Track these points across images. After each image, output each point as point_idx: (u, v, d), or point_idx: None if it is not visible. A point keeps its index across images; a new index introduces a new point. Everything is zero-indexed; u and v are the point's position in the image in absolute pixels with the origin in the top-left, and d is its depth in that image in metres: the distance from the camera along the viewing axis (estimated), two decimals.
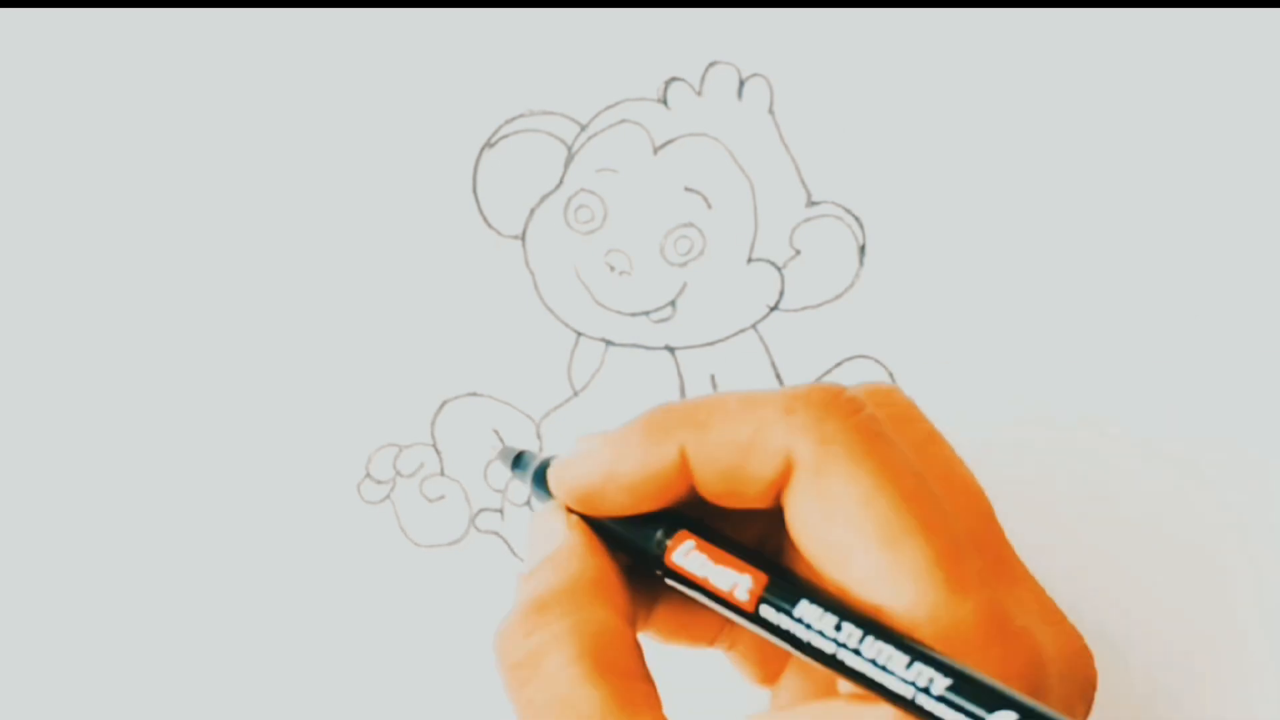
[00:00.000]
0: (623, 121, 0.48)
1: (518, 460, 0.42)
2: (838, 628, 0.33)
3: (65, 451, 0.48)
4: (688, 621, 0.39)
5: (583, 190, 0.48)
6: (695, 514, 0.36)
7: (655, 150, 0.47)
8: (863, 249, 0.48)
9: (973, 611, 0.32)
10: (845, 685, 0.33)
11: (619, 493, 0.36)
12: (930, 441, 0.37)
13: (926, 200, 0.48)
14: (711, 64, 0.47)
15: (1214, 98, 0.48)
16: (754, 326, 0.48)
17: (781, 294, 0.47)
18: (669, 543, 0.36)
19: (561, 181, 0.48)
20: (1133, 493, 0.48)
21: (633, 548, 0.37)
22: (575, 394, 0.48)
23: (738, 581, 0.34)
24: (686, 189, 0.47)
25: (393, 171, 0.48)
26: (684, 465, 0.35)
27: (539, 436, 0.48)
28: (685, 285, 0.47)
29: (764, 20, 0.48)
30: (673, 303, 0.48)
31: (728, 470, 0.35)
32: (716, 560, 0.35)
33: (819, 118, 0.48)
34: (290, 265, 0.48)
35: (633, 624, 0.36)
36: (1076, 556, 0.48)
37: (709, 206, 0.47)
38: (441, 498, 0.48)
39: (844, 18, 0.48)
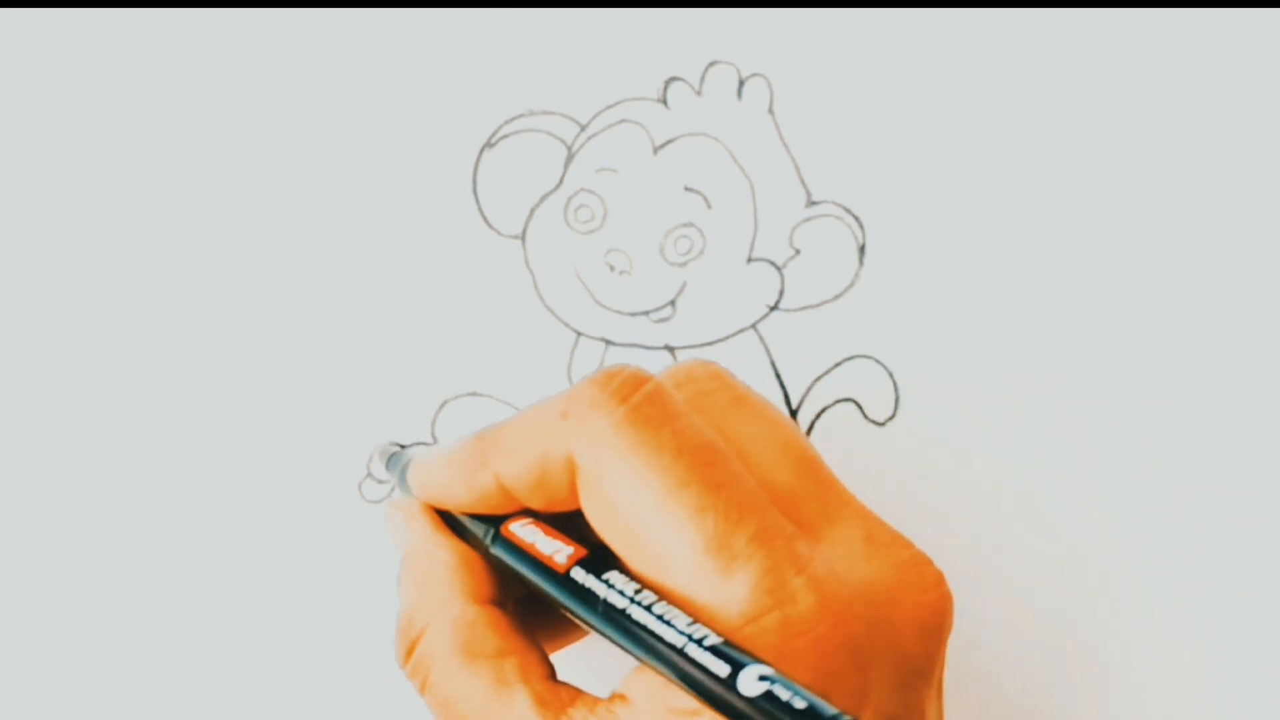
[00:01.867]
0: (623, 121, 0.48)
1: (391, 461, 0.44)
2: (637, 592, 0.34)
3: (65, 452, 0.48)
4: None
5: (583, 190, 0.48)
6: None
7: (655, 150, 0.47)
8: (863, 249, 0.48)
9: (743, 583, 0.33)
10: None
11: (460, 506, 0.39)
12: (736, 406, 0.37)
13: (926, 200, 0.48)
14: (711, 64, 0.47)
15: (1214, 98, 0.48)
16: (754, 326, 0.48)
17: (781, 294, 0.47)
18: (510, 517, 0.38)
19: (561, 181, 0.48)
20: (1134, 491, 0.48)
21: (468, 534, 0.39)
22: None
23: (560, 549, 0.36)
24: (686, 189, 0.47)
25: (393, 171, 0.48)
26: (502, 489, 0.37)
27: None
28: (685, 285, 0.47)
29: (764, 20, 0.48)
30: (673, 302, 0.48)
31: (534, 486, 0.37)
32: (548, 534, 0.37)
33: (819, 118, 0.48)
34: (290, 265, 0.48)
35: (496, 600, 0.38)
36: (1071, 554, 0.48)
37: (709, 206, 0.47)
38: None
39: (844, 18, 0.48)
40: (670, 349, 0.48)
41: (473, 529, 0.39)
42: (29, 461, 0.48)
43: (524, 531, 0.37)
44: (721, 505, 0.34)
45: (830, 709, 0.30)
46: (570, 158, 0.48)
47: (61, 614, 0.48)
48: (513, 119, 0.48)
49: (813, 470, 0.38)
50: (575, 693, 0.36)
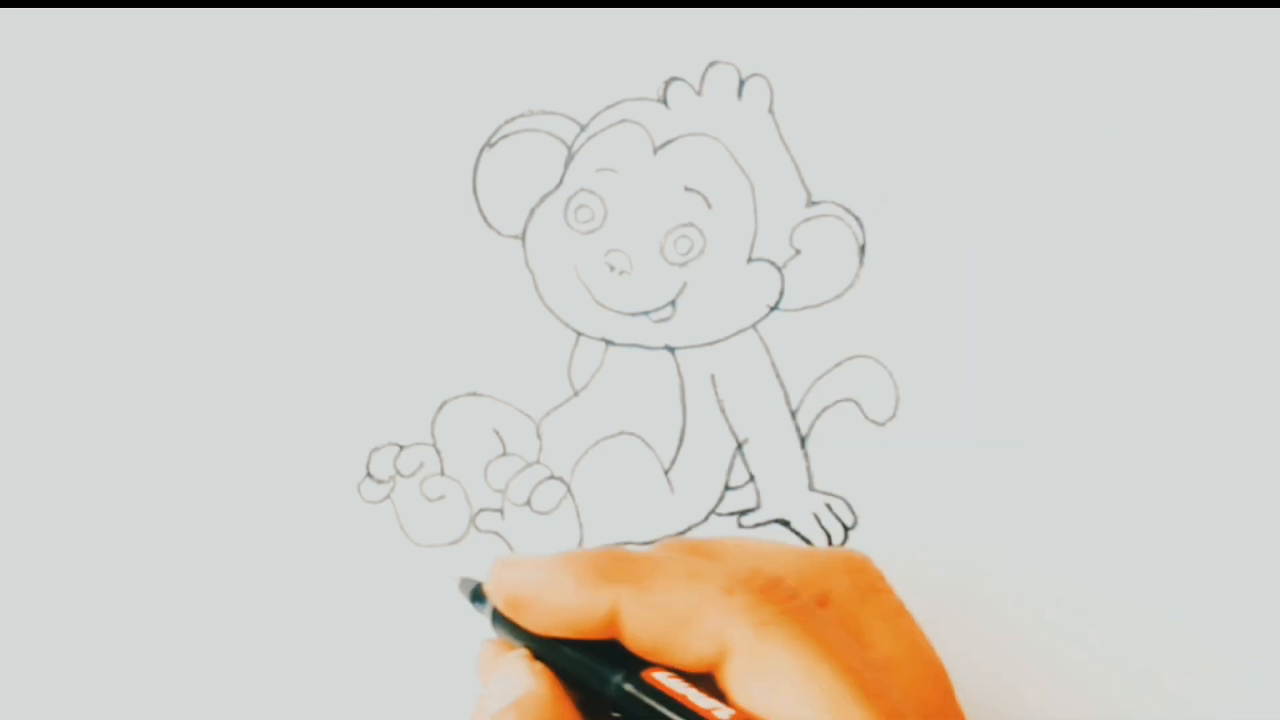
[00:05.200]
0: (623, 121, 0.48)
1: (475, 594, 0.43)
2: None
3: (66, 452, 0.48)
4: None
5: (583, 190, 0.48)
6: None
7: (655, 150, 0.47)
8: (863, 249, 0.48)
9: None
10: None
11: (544, 615, 0.38)
12: (897, 614, 0.39)
13: (926, 200, 0.48)
14: (711, 64, 0.47)
15: (1214, 98, 0.48)
16: (754, 326, 0.48)
17: (781, 294, 0.47)
18: (650, 668, 0.37)
19: (561, 181, 0.48)
20: (1136, 490, 0.48)
21: (588, 687, 0.38)
22: (575, 394, 0.48)
23: (718, 706, 0.35)
24: (686, 189, 0.47)
25: (393, 171, 0.48)
26: (613, 616, 0.37)
27: (539, 436, 0.48)
28: (685, 285, 0.47)
29: (764, 20, 0.48)
30: (673, 302, 0.48)
31: (659, 635, 0.36)
32: (696, 686, 0.36)
33: (819, 118, 0.48)
34: (291, 265, 0.48)
35: None
36: (1072, 553, 0.48)
37: (709, 206, 0.47)
38: (441, 498, 0.48)
39: (844, 18, 0.48)
40: (670, 349, 0.48)
41: (599, 669, 0.37)
42: (30, 461, 0.48)
43: (672, 683, 0.36)
44: (894, 700, 0.34)
45: None
46: (570, 157, 0.48)
47: (62, 613, 0.48)
48: (513, 119, 0.48)
49: (948, 698, 0.38)
50: None
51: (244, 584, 0.48)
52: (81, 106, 0.48)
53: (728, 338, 0.48)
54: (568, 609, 0.37)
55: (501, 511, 0.48)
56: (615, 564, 0.37)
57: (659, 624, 0.36)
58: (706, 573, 0.36)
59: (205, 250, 0.48)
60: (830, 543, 0.48)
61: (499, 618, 0.40)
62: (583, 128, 0.48)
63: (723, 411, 0.48)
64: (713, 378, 0.48)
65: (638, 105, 0.48)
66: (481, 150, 0.48)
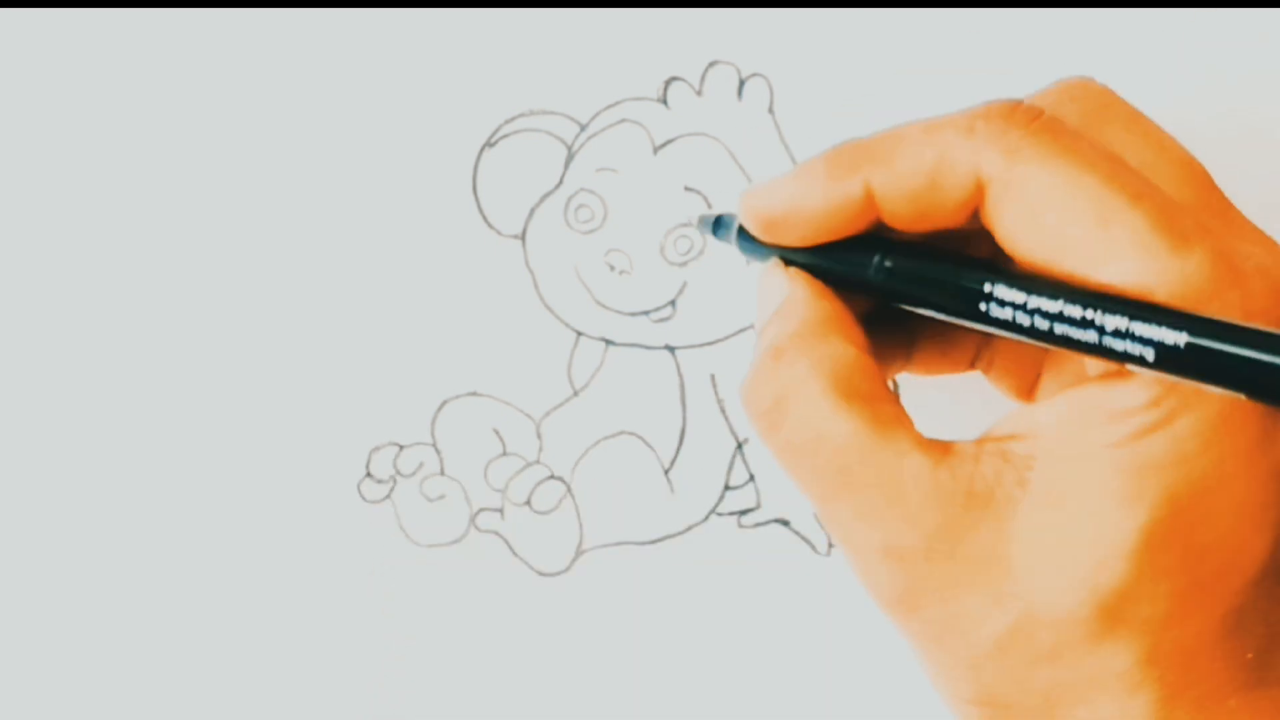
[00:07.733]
0: (623, 121, 0.48)
1: (718, 224, 0.42)
2: (1087, 306, 0.33)
3: (65, 452, 0.48)
4: (946, 349, 0.41)
5: (583, 190, 0.48)
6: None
7: (655, 150, 0.47)
8: None
9: (1200, 261, 0.32)
10: (1094, 367, 0.34)
11: (802, 224, 0.37)
12: (1134, 121, 0.37)
13: None
14: (711, 64, 0.48)
15: (1214, 97, 0.48)
16: (754, 326, 0.48)
17: None
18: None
19: (561, 181, 0.48)
20: None
21: (850, 280, 0.37)
22: (575, 394, 0.48)
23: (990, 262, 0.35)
24: (686, 189, 0.47)
25: (393, 171, 0.48)
26: (868, 198, 0.36)
27: (539, 436, 0.48)
28: (685, 285, 0.48)
29: (764, 20, 0.48)
30: (673, 302, 0.48)
31: (916, 196, 0.35)
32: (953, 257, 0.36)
33: (819, 118, 0.48)
34: (291, 265, 0.48)
35: (871, 355, 0.37)
36: None
37: (709, 206, 0.47)
38: (441, 497, 0.48)
39: (844, 18, 0.48)
40: (670, 349, 0.48)
41: (857, 256, 0.37)
42: (29, 462, 0.48)
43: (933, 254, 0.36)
44: (1162, 194, 0.33)
45: None
46: (570, 157, 0.48)
47: (62, 614, 0.48)
48: (513, 119, 0.48)
49: (1210, 188, 0.37)
50: (946, 443, 0.36)
51: (244, 584, 0.48)
52: (81, 107, 0.48)
53: (728, 338, 0.48)
54: (823, 209, 0.37)
55: (501, 511, 0.48)
56: (856, 151, 0.37)
57: (911, 187, 0.35)
58: (944, 122, 0.36)
59: (205, 250, 0.48)
60: (830, 544, 0.48)
61: (745, 243, 0.40)
62: (583, 127, 0.48)
63: (723, 411, 0.48)
64: (713, 378, 0.48)
65: (638, 105, 0.48)
66: (481, 150, 0.48)
